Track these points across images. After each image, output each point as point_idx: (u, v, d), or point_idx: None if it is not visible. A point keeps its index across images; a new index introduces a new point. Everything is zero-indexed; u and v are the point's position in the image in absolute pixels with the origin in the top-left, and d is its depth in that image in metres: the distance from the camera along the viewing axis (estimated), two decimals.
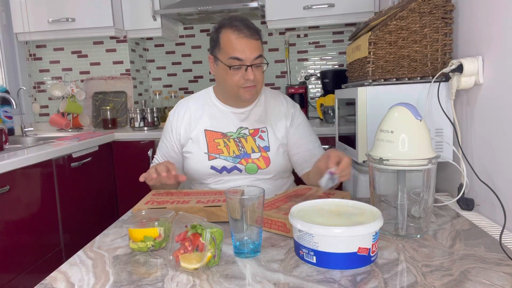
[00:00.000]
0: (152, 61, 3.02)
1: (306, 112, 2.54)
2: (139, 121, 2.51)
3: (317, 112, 2.46)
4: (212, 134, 1.35)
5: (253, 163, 1.32)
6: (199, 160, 1.34)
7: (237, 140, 1.34)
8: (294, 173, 1.47)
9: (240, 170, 1.32)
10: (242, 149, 1.33)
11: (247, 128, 1.36)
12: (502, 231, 0.83)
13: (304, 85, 2.57)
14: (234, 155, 1.32)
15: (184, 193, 1.14)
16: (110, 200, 2.38)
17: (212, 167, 1.32)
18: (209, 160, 1.33)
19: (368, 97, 1.24)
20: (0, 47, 2.60)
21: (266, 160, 1.33)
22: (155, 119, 2.55)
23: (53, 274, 0.76)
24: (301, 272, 0.72)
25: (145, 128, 2.50)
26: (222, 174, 1.33)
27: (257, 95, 1.36)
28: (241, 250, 0.80)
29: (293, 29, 2.76)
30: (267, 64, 1.30)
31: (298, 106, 1.47)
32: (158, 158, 1.45)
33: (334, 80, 2.41)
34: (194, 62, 2.97)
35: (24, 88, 2.66)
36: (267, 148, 1.34)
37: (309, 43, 2.81)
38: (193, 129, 1.37)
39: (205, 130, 1.36)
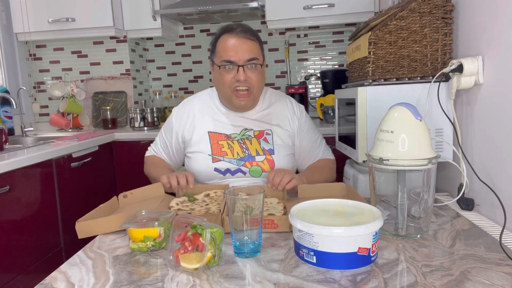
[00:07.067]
0: (152, 61, 3.02)
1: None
2: (139, 121, 2.51)
3: (317, 112, 2.46)
4: (216, 136, 1.34)
5: (257, 166, 1.31)
6: (202, 162, 1.33)
7: (241, 142, 1.33)
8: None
9: (244, 173, 1.31)
10: (247, 151, 1.32)
11: (251, 129, 1.35)
12: (502, 231, 0.83)
13: (304, 85, 2.56)
14: (239, 157, 1.31)
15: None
16: None
17: (216, 169, 1.31)
18: (213, 162, 1.32)
19: (368, 97, 1.24)
20: (0, 47, 2.60)
21: (270, 163, 1.31)
22: (155, 119, 2.55)
23: (53, 274, 0.76)
24: (301, 272, 0.72)
25: (145, 128, 2.50)
26: (226, 176, 1.32)
27: (252, 101, 1.32)
28: (241, 250, 0.80)
29: (293, 29, 2.76)
30: (262, 65, 1.27)
31: (303, 108, 1.45)
32: (157, 149, 1.50)
33: (334, 80, 2.40)
34: (194, 62, 2.97)
35: (24, 88, 2.66)
36: (271, 151, 1.33)
37: (309, 43, 2.81)
38: (197, 131, 1.36)
39: (208, 132, 1.35)
